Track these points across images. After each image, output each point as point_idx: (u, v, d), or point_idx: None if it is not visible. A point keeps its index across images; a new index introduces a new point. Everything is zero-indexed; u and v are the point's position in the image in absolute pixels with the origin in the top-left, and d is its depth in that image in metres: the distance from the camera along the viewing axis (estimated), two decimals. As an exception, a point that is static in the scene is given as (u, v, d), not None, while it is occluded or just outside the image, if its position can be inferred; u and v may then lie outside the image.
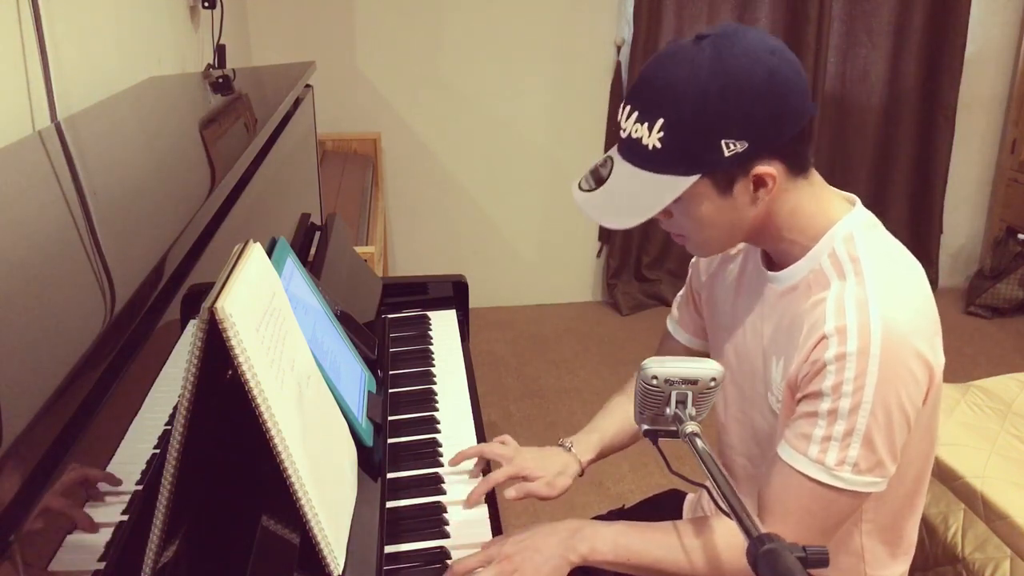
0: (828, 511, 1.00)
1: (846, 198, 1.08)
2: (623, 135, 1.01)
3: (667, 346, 1.37)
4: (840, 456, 0.97)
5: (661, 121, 0.96)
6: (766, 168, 0.97)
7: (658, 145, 0.97)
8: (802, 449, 0.99)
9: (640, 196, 1.00)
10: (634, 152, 1.00)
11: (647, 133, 0.97)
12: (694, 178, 0.97)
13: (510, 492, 1.21)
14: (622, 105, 1.02)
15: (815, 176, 1.05)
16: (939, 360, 0.99)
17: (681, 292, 1.35)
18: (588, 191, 1.05)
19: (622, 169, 1.02)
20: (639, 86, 1.00)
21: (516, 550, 1.06)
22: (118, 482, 0.75)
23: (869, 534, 1.12)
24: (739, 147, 0.95)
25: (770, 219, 1.03)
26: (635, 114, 0.99)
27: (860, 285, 0.98)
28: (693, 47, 0.96)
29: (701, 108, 0.94)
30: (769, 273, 1.10)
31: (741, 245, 1.20)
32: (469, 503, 1.21)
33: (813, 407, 0.98)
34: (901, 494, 1.10)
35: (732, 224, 1.03)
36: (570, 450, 1.29)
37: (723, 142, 0.95)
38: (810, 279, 1.04)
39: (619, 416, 1.36)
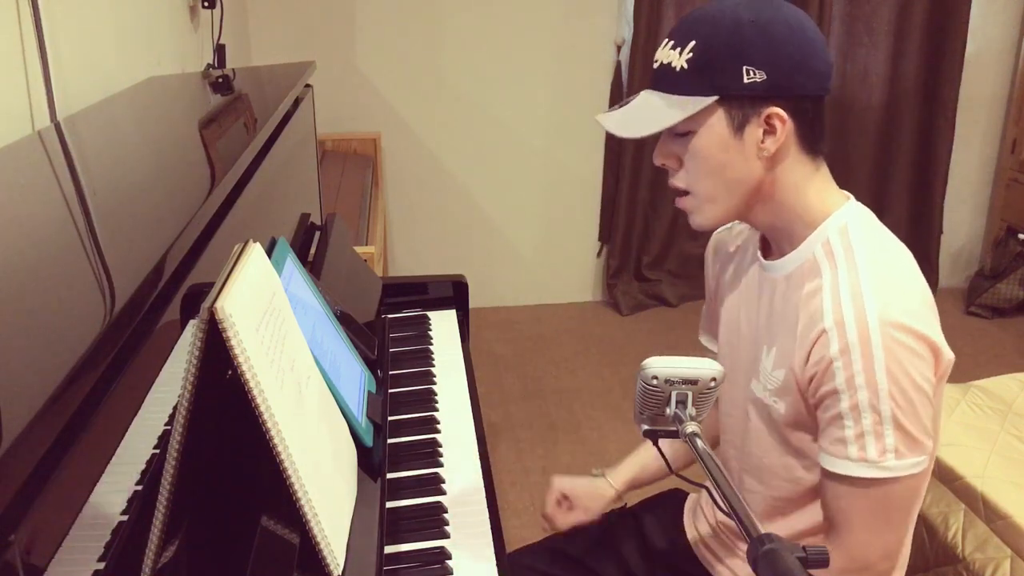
0: (889, 504, 1.01)
1: (842, 193, 1.10)
2: (655, 67, 1.06)
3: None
4: (880, 446, 0.97)
5: (692, 43, 1.01)
6: (778, 111, 1.00)
7: (685, 66, 1.01)
8: (842, 454, 0.99)
9: (657, 112, 1.04)
10: (661, 79, 1.05)
11: (677, 56, 1.02)
12: (711, 99, 1.00)
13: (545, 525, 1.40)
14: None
15: (823, 167, 1.08)
16: (939, 337, 1.00)
17: (704, 307, 1.37)
18: (612, 111, 1.10)
19: (645, 95, 1.07)
20: (680, 23, 1.05)
21: None
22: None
23: None
24: (758, 77, 0.99)
25: (772, 188, 1.05)
26: (670, 43, 1.04)
27: (852, 274, 1.00)
28: None
29: (732, 33, 0.99)
30: (765, 262, 1.12)
31: (740, 240, 1.22)
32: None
33: (835, 409, 0.99)
34: None
35: (737, 177, 1.04)
36: (603, 476, 1.43)
37: (745, 67, 0.99)
38: (804, 268, 1.06)
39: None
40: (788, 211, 1.06)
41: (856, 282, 0.99)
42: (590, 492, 1.41)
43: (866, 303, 0.97)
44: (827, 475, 1.02)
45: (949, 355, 1.01)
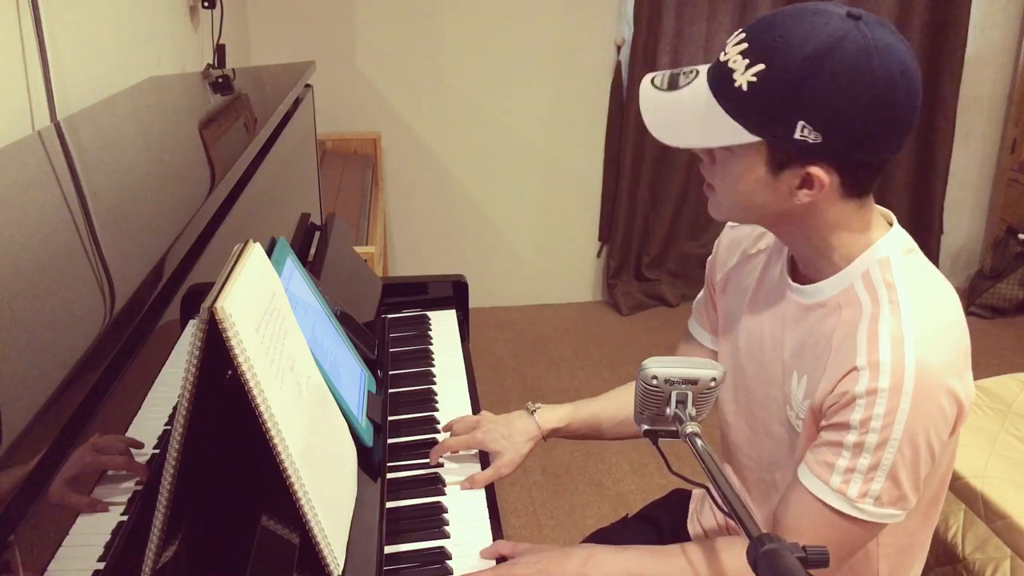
0: (845, 540, 0.98)
1: (884, 215, 1.05)
2: (722, 58, 0.95)
3: (687, 349, 1.33)
4: (863, 489, 0.95)
5: (761, 67, 0.90)
6: (821, 173, 0.93)
7: (744, 88, 0.92)
8: (824, 477, 0.96)
9: (700, 124, 0.96)
10: (720, 80, 0.95)
11: (742, 69, 0.92)
12: (753, 139, 0.93)
13: (464, 484, 1.26)
14: (739, 30, 0.96)
15: (868, 201, 1.00)
16: (969, 393, 0.96)
17: (700, 294, 1.32)
18: (659, 90, 1.00)
19: (701, 89, 0.97)
20: (766, 23, 0.93)
21: (527, 573, 1.06)
22: (139, 444, 0.75)
23: (886, 556, 1.10)
24: (811, 137, 0.90)
25: (807, 222, 0.99)
26: (744, 45, 0.93)
27: (895, 316, 0.94)
28: (842, 22, 0.90)
29: (805, 79, 0.89)
30: (795, 284, 1.06)
31: (762, 244, 1.17)
32: (431, 462, 1.29)
33: (839, 437, 0.95)
34: (918, 515, 1.08)
35: (763, 204, 0.98)
36: (532, 413, 1.33)
37: (800, 123, 0.90)
38: (840, 299, 1.00)
39: (606, 399, 1.38)
40: (821, 242, 1.00)
41: (898, 324, 0.93)
42: (520, 439, 1.30)
43: (906, 351, 0.91)
44: (799, 487, 0.99)
45: (970, 406, 0.97)
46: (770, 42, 0.91)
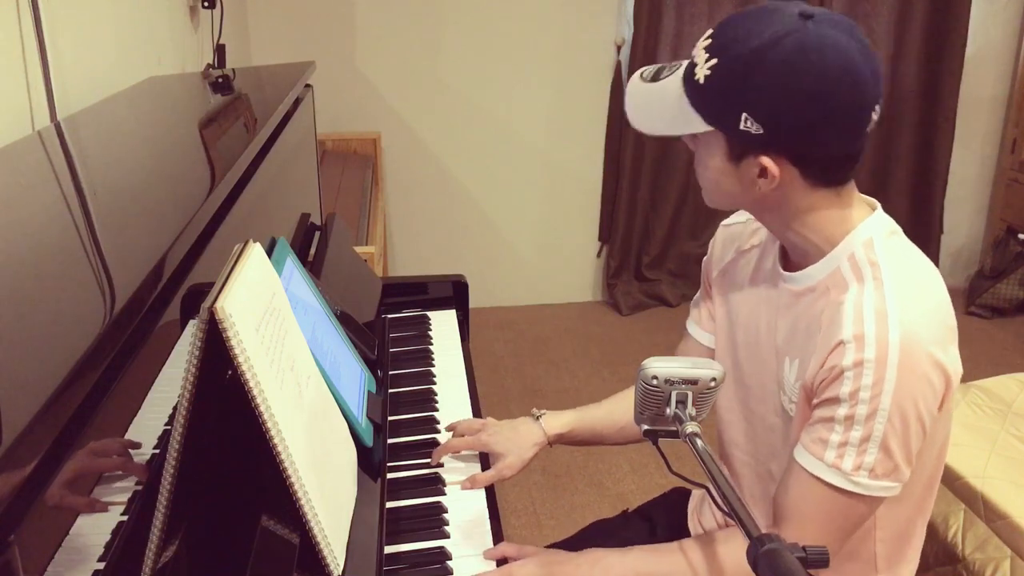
0: (846, 516, 1.00)
1: (868, 202, 1.07)
2: (693, 52, 1.01)
3: (686, 348, 1.33)
4: (857, 461, 0.96)
5: (714, 61, 0.96)
6: (771, 164, 0.97)
7: (701, 80, 0.97)
8: (819, 454, 0.98)
9: (668, 114, 1.02)
10: (688, 73, 1.00)
11: (702, 63, 0.97)
12: (708, 129, 0.98)
13: (465, 484, 1.26)
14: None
15: (846, 188, 1.02)
16: (956, 367, 0.98)
17: (697, 294, 1.33)
18: (644, 81, 1.06)
19: (676, 82, 1.02)
20: (729, 21, 0.98)
21: (533, 575, 1.07)
22: (137, 445, 0.75)
23: (882, 541, 1.11)
24: (753, 129, 0.94)
25: (783, 210, 1.02)
26: (709, 41, 0.98)
27: (878, 291, 0.97)
28: (790, 20, 0.93)
29: (747, 73, 0.93)
30: (785, 273, 1.09)
31: (756, 240, 1.18)
32: (432, 462, 1.29)
33: (830, 412, 0.97)
34: (914, 499, 1.09)
35: (733, 192, 1.03)
36: (538, 419, 1.34)
37: (743, 115, 0.94)
38: (828, 282, 1.02)
39: (610, 404, 1.38)
40: (803, 228, 1.03)
41: (881, 299, 0.96)
42: (526, 443, 1.32)
43: (890, 322, 0.94)
44: (796, 467, 1.01)
45: (958, 380, 0.99)
46: (725, 38, 0.97)
